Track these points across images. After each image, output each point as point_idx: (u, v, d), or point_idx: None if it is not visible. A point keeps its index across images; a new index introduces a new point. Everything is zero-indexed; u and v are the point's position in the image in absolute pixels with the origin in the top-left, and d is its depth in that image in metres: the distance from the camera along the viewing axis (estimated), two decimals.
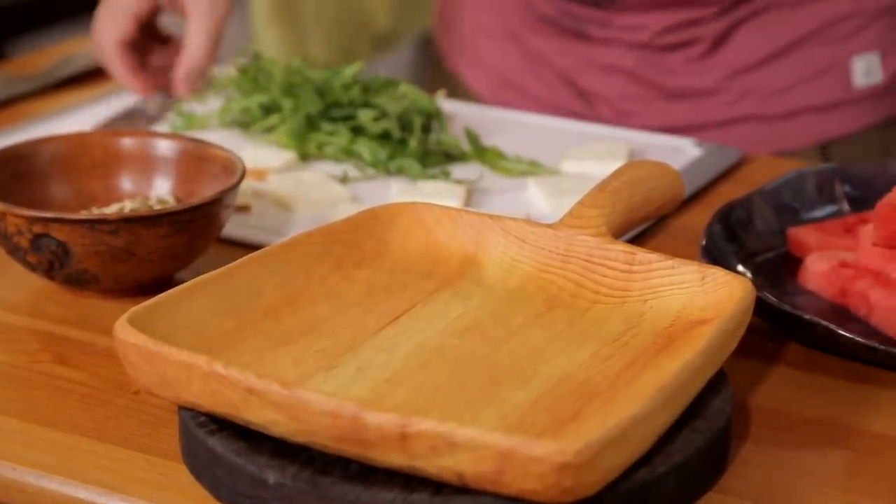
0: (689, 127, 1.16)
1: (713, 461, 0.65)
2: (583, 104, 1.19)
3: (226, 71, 1.16)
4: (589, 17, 1.14)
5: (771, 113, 1.16)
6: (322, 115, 1.03)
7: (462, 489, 0.58)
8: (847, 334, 0.73)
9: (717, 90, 1.16)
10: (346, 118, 1.03)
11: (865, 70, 1.16)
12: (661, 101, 1.18)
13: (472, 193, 0.97)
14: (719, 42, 1.15)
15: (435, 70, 1.35)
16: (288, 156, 1.00)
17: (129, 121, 1.08)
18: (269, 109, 1.05)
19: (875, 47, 1.16)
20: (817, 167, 0.91)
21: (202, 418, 0.64)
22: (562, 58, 1.20)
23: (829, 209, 0.89)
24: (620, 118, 1.18)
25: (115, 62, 1.09)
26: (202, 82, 1.10)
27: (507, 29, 1.23)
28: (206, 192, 0.84)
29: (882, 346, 0.73)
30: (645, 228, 0.91)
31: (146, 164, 0.88)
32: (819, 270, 0.81)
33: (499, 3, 1.23)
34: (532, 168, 1.00)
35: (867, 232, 0.80)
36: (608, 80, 1.18)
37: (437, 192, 0.94)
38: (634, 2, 1.13)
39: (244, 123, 1.07)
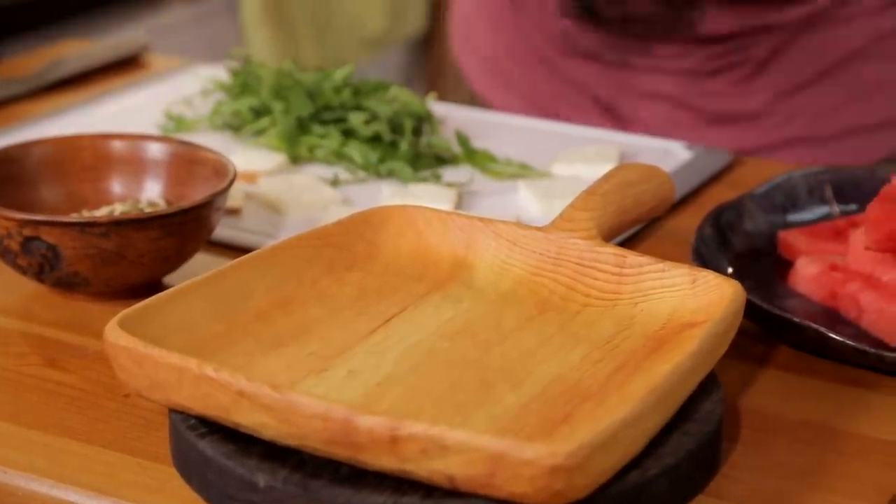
0: (735, 152, 1.11)
1: (704, 464, 0.65)
2: (621, 131, 1.15)
3: (216, 73, 1.16)
4: (631, 46, 1.08)
5: (821, 134, 1.12)
6: (313, 118, 1.03)
7: (453, 492, 0.58)
8: (837, 337, 0.73)
9: (763, 112, 1.14)
10: (337, 121, 1.03)
11: None
12: (704, 126, 1.14)
13: (463, 196, 0.97)
14: (765, 63, 1.11)
15: (437, 72, 1.33)
16: (279, 158, 1.00)
17: None
18: (259, 112, 1.05)
19: None
20: (807, 170, 0.91)
21: (192, 421, 0.63)
22: (599, 84, 1.16)
23: (820, 212, 0.90)
24: None
25: None
26: None
27: (537, 53, 1.19)
28: (197, 195, 0.84)
29: (872, 350, 0.73)
30: (636, 231, 0.92)
31: (137, 167, 0.88)
32: (809, 273, 0.81)
33: (527, 27, 1.19)
34: (523, 171, 1.00)
35: (857, 235, 0.80)
36: (649, 107, 1.15)
37: (428, 195, 0.94)
38: (680, 36, 1.08)
39: (235, 126, 1.06)
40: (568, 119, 1.18)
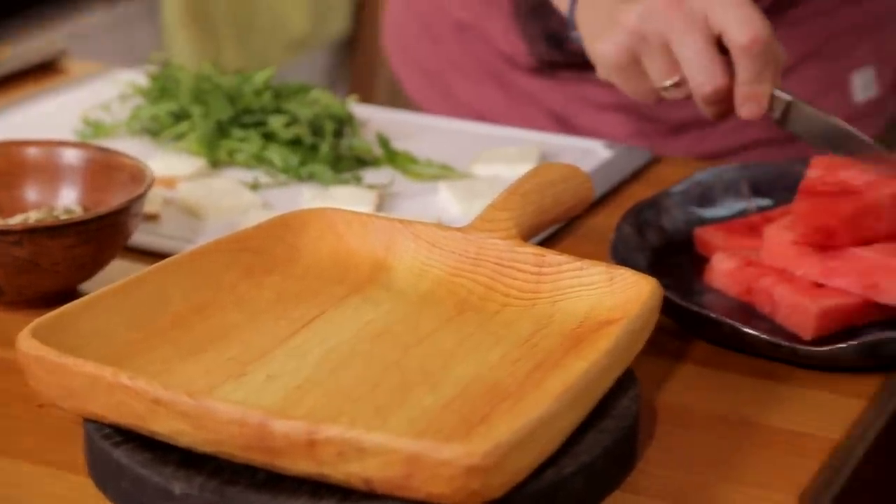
0: (697, 158, 1.12)
1: (620, 460, 0.65)
2: None
3: (134, 78, 1.15)
4: (589, 62, 1.06)
5: (777, 137, 1.11)
6: (232, 122, 1.03)
7: (370, 495, 0.58)
8: (751, 332, 0.74)
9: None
10: (257, 124, 1.03)
11: (863, 85, 1.14)
12: (662, 135, 1.14)
13: (384, 198, 0.97)
14: None
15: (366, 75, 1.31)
16: (198, 163, 1.00)
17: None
18: (178, 116, 1.05)
19: (871, 61, 1.15)
20: (724, 167, 0.92)
21: (107, 430, 0.63)
22: (554, 98, 1.15)
23: (736, 208, 0.91)
24: None
25: None
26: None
27: (485, 67, 1.18)
28: (115, 201, 0.83)
29: (785, 343, 0.74)
30: (556, 230, 0.92)
31: (52, 174, 0.87)
32: (725, 269, 0.82)
33: (474, 43, 1.17)
34: (444, 172, 1.00)
35: (771, 230, 0.81)
36: (607, 118, 1.14)
37: (349, 198, 0.94)
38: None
39: (154, 131, 1.06)
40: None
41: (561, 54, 1.12)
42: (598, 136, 1.13)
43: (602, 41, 0.85)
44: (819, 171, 0.81)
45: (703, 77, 0.82)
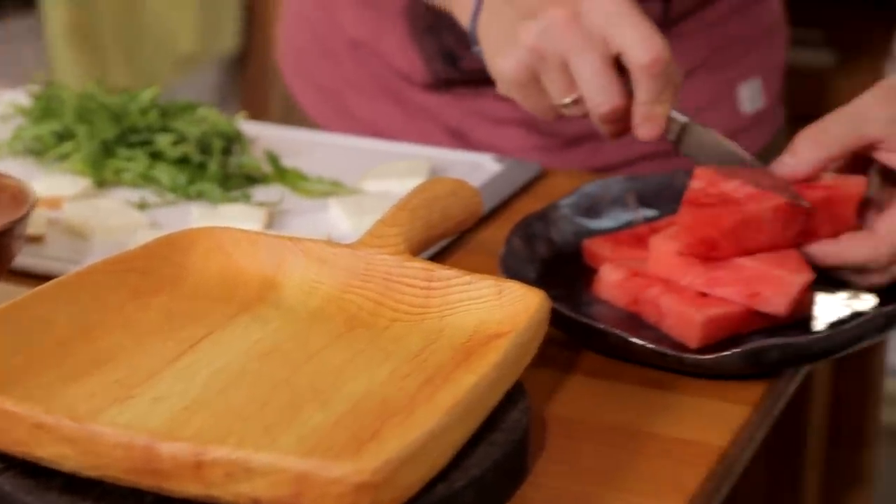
0: (592, 171, 1.12)
1: (511, 473, 0.66)
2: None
3: (16, 98, 1.13)
4: (486, 78, 1.00)
5: (670, 149, 1.14)
6: (118, 141, 1.01)
7: None
8: (638, 341, 0.75)
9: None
10: (144, 143, 1.02)
11: (750, 96, 1.16)
12: (558, 149, 1.14)
13: (274, 216, 0.96)
14: None
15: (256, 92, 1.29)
16: (84, 183, 0.98)
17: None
18: (62, 136, 1.03)
19: (757, 73, 1.16)
20: (611, 179, 0.93)
21: None
22: (451, 113, 1.15)
23: (624, 219, 0.92)
24: None
25: None
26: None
27: (381, 84, 1.18)
28: None
29: (671, 352, 0.75)
30: (446, 244, 0.93)
31: None
32: (612, 280, 0.83)
33: (369, 61, 1.17)
34: (334, 188, 1.00)
35: (656, 241, 0.82)
36: (503, 133, 1.14)
37: (238, 216, 0.93)
38: None
39: (37, 151, 1.04)
40: None
41: (457, 71, 1.13)
42: (494, 150, 1.14)
43: (502, 57, 0.85)
44: (702, 182, 0.83)
45: (600, 97, 0.83)
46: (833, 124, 0.83)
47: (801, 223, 0.82)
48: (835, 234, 0.83)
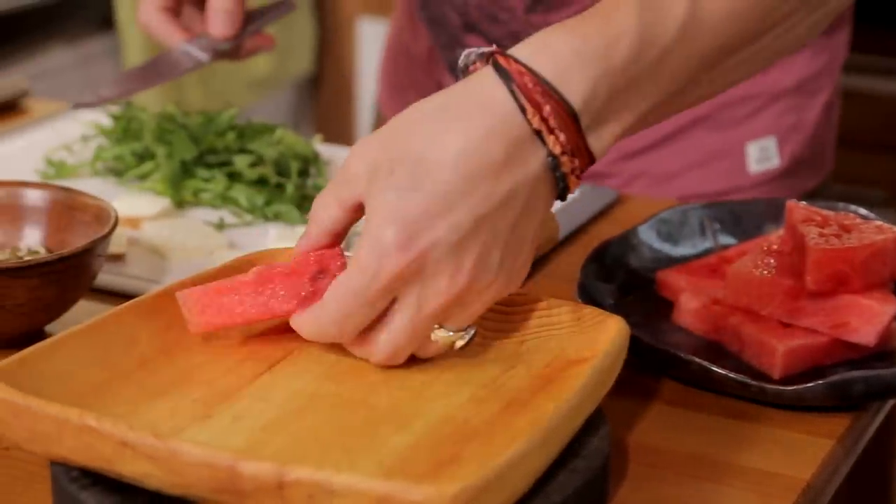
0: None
1: (591, 500, 0.65)
2: None
3: (97, 118, 1.14)
4: None
5: (663, 197, 1.12)
6: (197, 162, 1.02)
7: None
8: (719, 370, 0.74)
9: (608, 173, 1.15)
10: (222, 164, 1.02)
11: (760, 155, 1.14)
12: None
13: (351, 237, 0.96)
14: None
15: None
16: (163, 203, 0.99)
17: (173, 65, 1.02)
18: (142, 157, 1.04)
19: (771, 132, 1.15)
20: (689, 205, 0.93)
21: (74, 473, 0.62)
22: None
23: (703, 246, 0.91)
24: None
25: (158, 29, 1.03)
26: (237, 21, 1.04)
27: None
28: (78, 241, 0.83)
29: (754, 382, 0.74)
30: None
31: (15, 215, 0.86)
32: (692, 308, 0.82)
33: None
34: None
35: (734, 270, 0.81)
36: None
37: None
38: None
39: (118, 171, 1.05)
40: None
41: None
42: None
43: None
44: (808, 223, 0.80)
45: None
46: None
47: None
48: None
